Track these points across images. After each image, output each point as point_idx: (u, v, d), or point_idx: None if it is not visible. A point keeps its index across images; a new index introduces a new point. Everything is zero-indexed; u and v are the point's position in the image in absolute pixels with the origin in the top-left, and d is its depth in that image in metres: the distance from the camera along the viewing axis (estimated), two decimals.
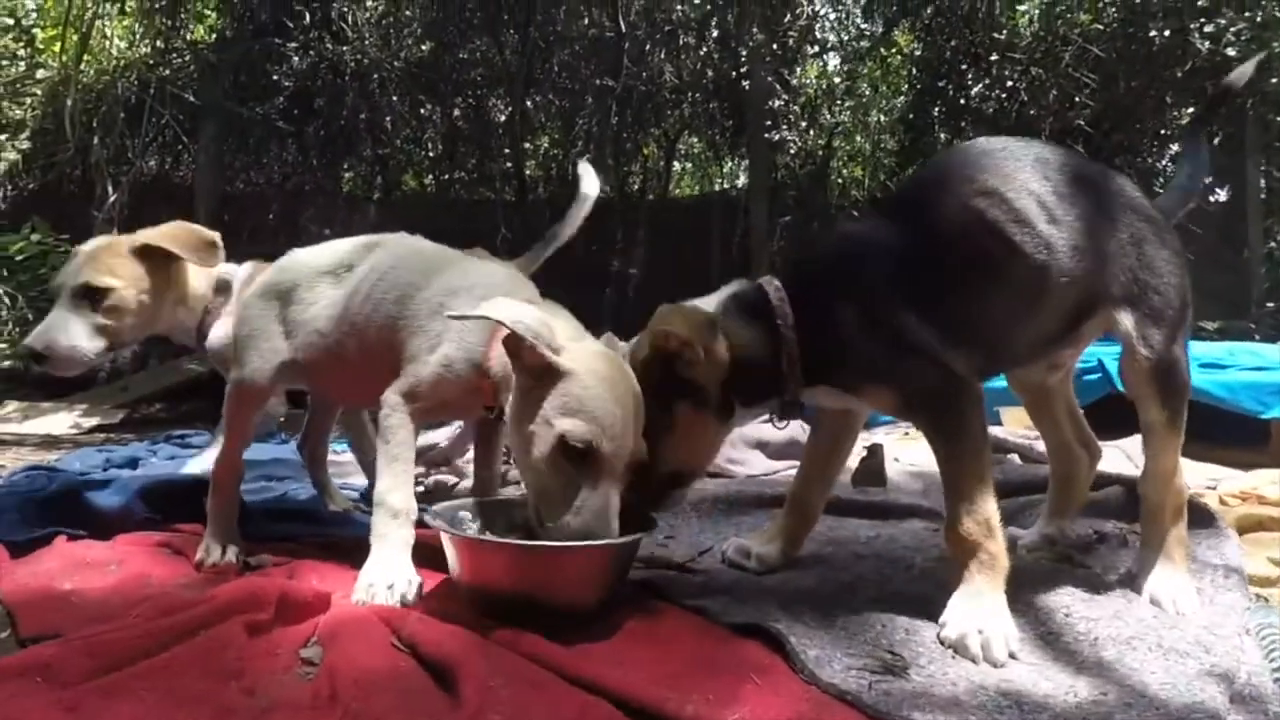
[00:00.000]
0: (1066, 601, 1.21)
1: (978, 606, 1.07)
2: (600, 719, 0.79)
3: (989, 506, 1.11)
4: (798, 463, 1.74)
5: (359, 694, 0.80)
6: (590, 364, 1.12)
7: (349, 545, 1.39)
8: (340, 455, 2.55)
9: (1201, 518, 1.61)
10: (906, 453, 2.53)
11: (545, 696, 0.84)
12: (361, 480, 2.18)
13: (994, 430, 2.46)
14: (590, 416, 1.07)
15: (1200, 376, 2.84)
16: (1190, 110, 5.33)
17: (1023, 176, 1.20)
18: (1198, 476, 2.05)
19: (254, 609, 0.93)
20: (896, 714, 0.87)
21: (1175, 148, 5.91)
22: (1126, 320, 1.22)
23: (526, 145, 6.90)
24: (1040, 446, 2.25)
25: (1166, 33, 4.82)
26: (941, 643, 1.06)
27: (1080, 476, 1.50)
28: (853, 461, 1.96)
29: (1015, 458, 2.41)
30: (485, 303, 1.13)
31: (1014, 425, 2.70)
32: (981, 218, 1.18)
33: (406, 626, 0.97)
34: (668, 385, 1.19)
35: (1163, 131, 5.78)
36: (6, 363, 4.98)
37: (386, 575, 1.16)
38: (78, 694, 0.74)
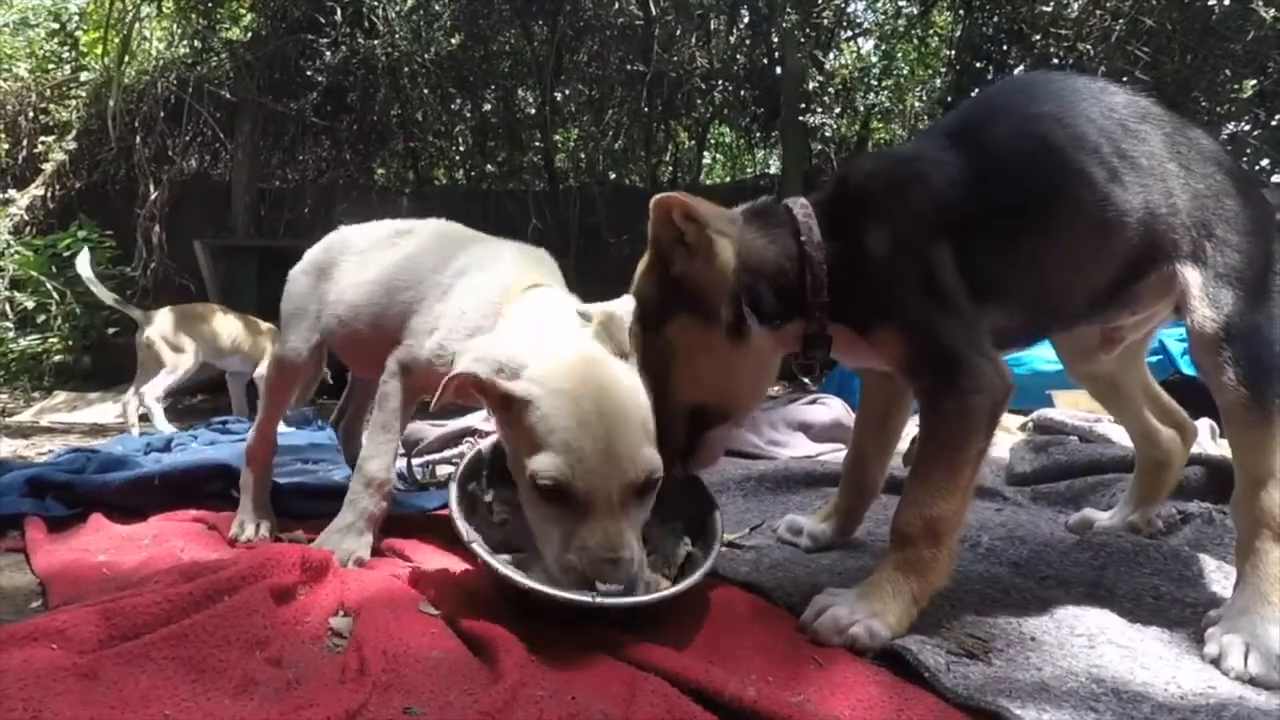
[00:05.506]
0: (1155, 583, 1.11)
1: (868, 596, 0.95)
2: (653, 698, 0.71)
3: (944, 509, 0.96)
4: (842, 446, 1.64)
5: (388, 665, 0.74)
6: (554, 384, 0.97)
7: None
8: None
9: None
10: None
11: (590, 673, 0.77)
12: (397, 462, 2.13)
13: (1049, 413, 2.35)
14: (555, 450, 0.93)
15: None
16: (1252, 84, 5.04)
17: (1083, 104, 1.07)
18: None
19: (278, 572, 0.88)
20: (980, 699, 0.79)
21: (1232, 126, 5.59)
22: (1190, 276, 1.03)
23: (557, 136, 6.85)
24: (1099, 429, 2.14)
25: (1226, 0, 4.55)
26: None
27: (1174, 461, 1.36)
28: (903, 445, 1.86)
29: (1075, 439, 2.28)
30: (459, 356, 1.05)
31: (1068, 407, 2.56)
32: (1041, 140, 1.04)
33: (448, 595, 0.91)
34: (665, 297, 1.04)
35: (1219, 109, 5.47)
36: (57, 356, 5.11)
37: (339, 540, 1.19)
38: (95, 660, 0.69)
